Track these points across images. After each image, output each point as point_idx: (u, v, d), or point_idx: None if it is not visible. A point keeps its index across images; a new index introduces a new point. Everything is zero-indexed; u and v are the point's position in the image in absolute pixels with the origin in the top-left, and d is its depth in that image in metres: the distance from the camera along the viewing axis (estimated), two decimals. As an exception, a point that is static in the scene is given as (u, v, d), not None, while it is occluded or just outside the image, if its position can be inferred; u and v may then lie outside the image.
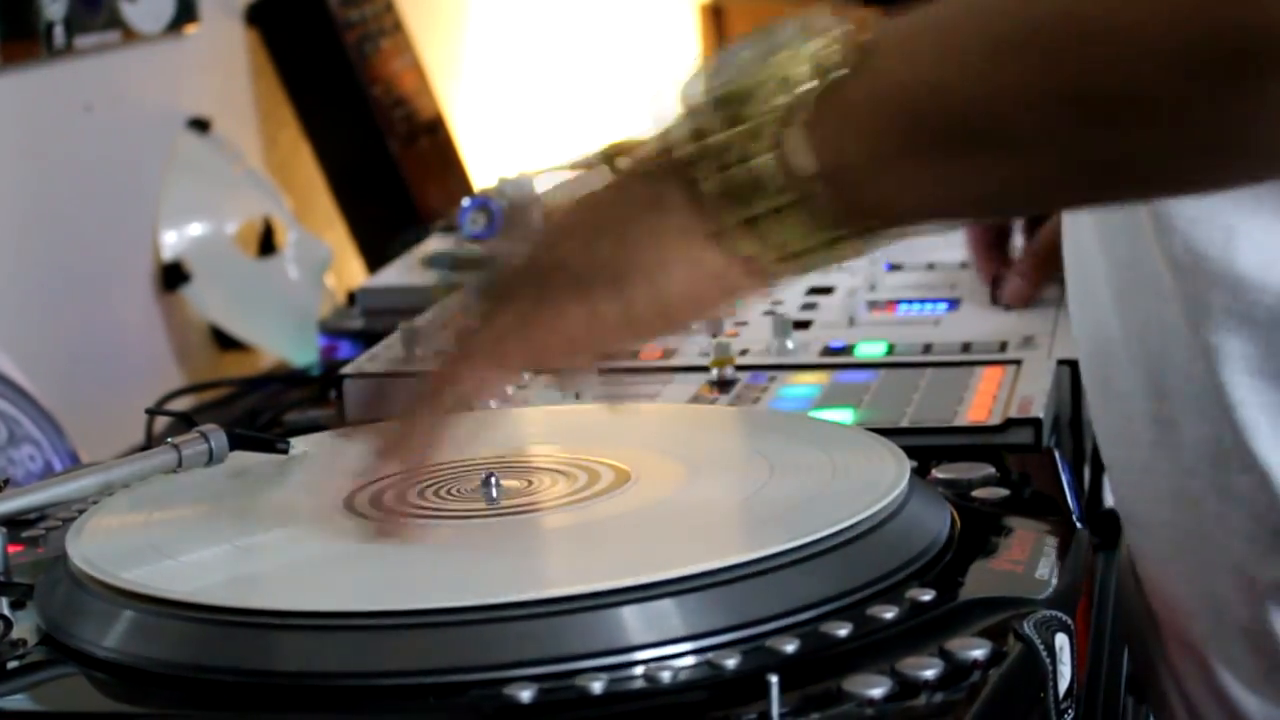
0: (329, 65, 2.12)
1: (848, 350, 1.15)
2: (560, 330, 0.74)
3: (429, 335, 0.76)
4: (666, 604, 0.70)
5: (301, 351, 1.86)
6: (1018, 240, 1.26)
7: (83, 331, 1.77)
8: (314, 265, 2.02)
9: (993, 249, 1.24)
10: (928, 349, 1.14)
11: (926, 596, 0.74)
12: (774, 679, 0.64)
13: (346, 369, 1.20)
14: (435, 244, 1.62)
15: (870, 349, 1.14)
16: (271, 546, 0.81)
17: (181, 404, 1.59)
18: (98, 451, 1.43)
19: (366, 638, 0.70)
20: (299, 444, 0.94)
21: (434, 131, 2.25)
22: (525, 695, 0.66)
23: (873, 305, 1.25)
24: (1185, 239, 0.81)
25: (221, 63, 2.05)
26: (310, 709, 0.69)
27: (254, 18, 2.10)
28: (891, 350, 1.14)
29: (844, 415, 1.02)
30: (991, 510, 0.85)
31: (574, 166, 2.08)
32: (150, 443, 1.42)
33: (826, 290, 1.29)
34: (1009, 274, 1.21)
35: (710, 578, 0.72)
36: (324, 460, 0.92)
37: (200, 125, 1.96)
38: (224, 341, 1.96)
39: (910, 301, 1.25)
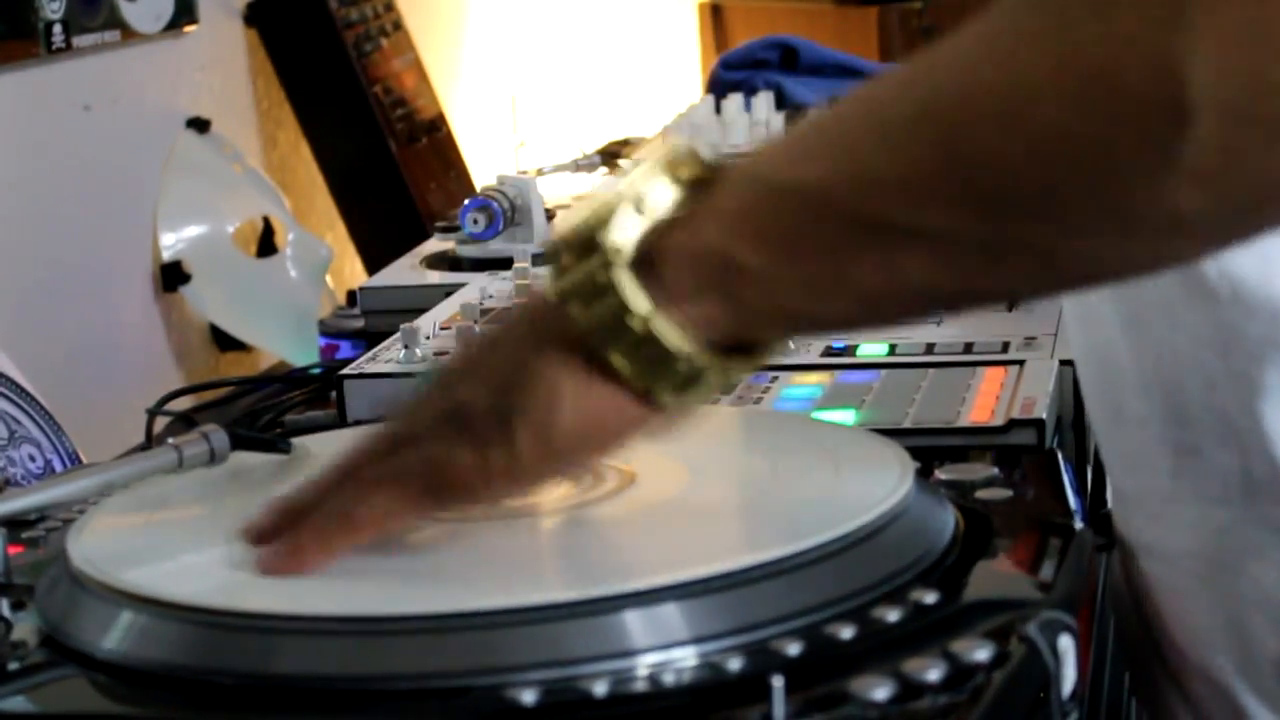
0: (328, 65, 2.11)
1: (850, 350, 1.14)
2: (455, 474, 0.73)
3: (346, 458, 0.76)
4: (670, 607, 0.70)
5: (301, 351, 1.85)
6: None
7: (82, 331, 1.77)
8: (314, 265, 2.02)
9: None
10: (930, 349, 1.14)
11: (930, 598, 0.74)
12: (778, 681, 0.64)
13: (346, 369, 1.20)
14: (435, 244, 1.61)
15: (872, 349, 1.14)
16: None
17: (181, 404, 1.58)
18: (98, 451, 1.42)
19: (368, 641, 0.70)
20: (299, 444, 0.94)
21: (434, 131, 2.25)
22: (528, 698, 0.66)
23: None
24: (1221, 267, 0.79)
25: (221, 62, 2.04)
26: (311, 712, 0.69)
27: (253, 17, 2.09)
28: (893, 350, 1.14)
29: (846, 416, 1.02)
30: (995, 512, 0.85)
31: (574, 167, 2.08)
32: (150, 443, 1.41)
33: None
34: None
35: (714, 581, 0.71)
36: (325, 460, 0.92)
37: (199, 125, 1.95)
38: (224, 341, 1.96)
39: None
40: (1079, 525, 0.84)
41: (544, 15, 2.86)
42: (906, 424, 1.00)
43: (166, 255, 1.88)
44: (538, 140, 2.65)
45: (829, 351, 1.14)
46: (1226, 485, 0.84)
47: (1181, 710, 0.90)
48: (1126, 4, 0.58)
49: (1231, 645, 0.86)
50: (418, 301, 1.39)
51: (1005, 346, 1.13)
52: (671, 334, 0.69)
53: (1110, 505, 0.94)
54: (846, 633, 0.70)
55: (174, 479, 0.90)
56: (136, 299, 1.86)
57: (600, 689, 0.67)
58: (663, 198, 0.70)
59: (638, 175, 0.70)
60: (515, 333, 0.75)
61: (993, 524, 0.83)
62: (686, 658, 0.69)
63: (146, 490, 0.89)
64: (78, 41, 1.75)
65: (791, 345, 0.71)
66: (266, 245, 2.00)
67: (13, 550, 0.85)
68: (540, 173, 1.91)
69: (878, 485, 0.80)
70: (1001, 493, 0.87)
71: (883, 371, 1.10)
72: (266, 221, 2.00)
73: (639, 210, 0.69)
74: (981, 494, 0.87)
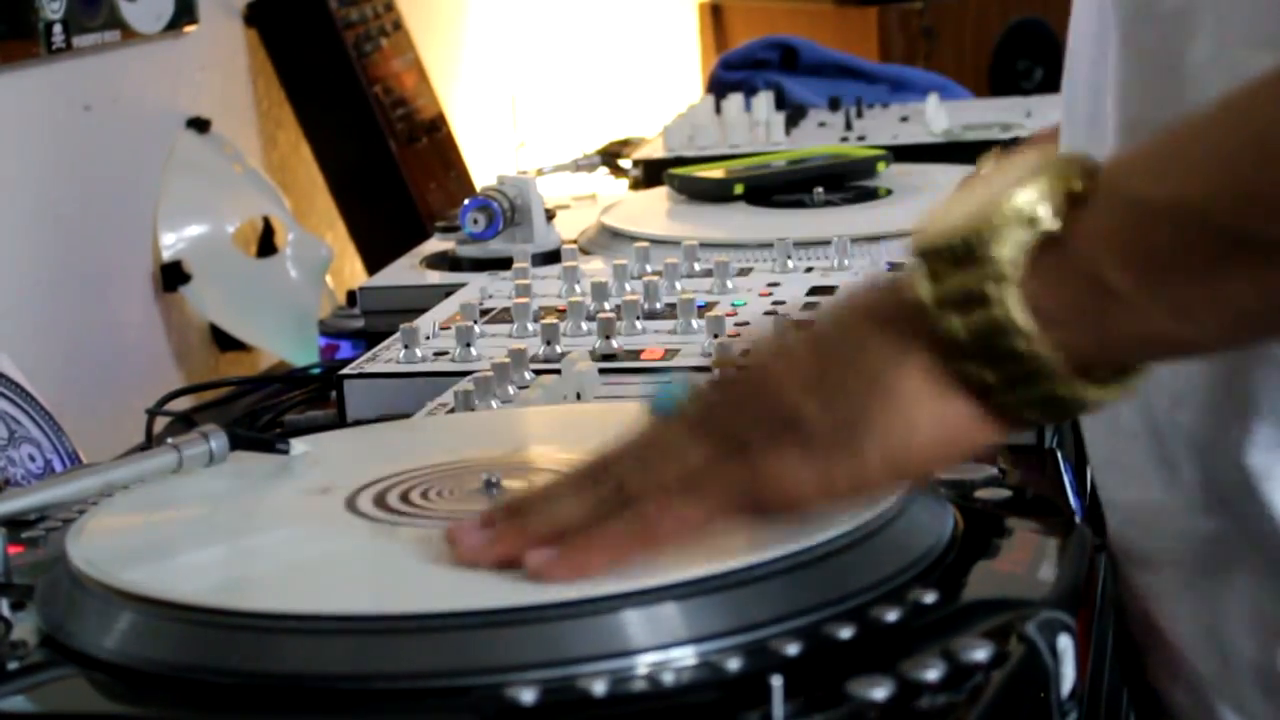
0: (328, 65, 2.12)
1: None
2: (789, 488, 0.70)
3: (629, 459, 0.72)
4: (669, 606, 0.70)
5: (301, 351, 1.86)
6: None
7: (83, 331, 1.77)
8: (314, 265, 2.02)
9: None
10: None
11: (929, 598, 0.74)
12: (777, 681, 0.64)
13: (346, 369, 1.20)
14: (435, 244, 1.62)
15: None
16: (271, 548, 0.81)
17: (181, 404, 1.59)
18: (98, 451, 1.43)
19: (368, 640, 0.70)
20: (299, 444, 0.94)
21: (434, 131, 2.25)
22: (527, 697, 0.66)
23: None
24: None
25: (221, 63, 2.05)
26: (310, 711, 0.69)
27: (253, 17, 2.10)
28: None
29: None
30: (994, 511, 0.85)
31: (574, 167, 2.08)
32: (150, 443, 1.42)
33: (828, 290, 1.29)
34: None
35: (713, 581, 0.71)
36: (325, 460, 0.92)
37: (200, 125, 1.96)
38: (224, 341, 1.96)
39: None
40: (1078, 525, 0.85)
41: (544, 15, 2.87)
42: (906, 424, 1.00)
43: (166, 255, 1.88)
44: (538, 140, 2.65)
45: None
46: (1208, 497, 0.84)
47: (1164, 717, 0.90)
48: None
49: (1211, 654, 0.86)
50: (418, 301, 1.39)
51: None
52: (1046, 353, 0.67)
53: (1107, 517, 0.94)
54: (845, 632, 0.70)
55: (173, 479, 0.90)
56: (136, 299, 1.87)
57: (599, 688, 0.67)
58: (1044, 210, 0.67)
59: (1024, 184, 0.68)
60: (859, 335, 0.70)
61: (992, 524, 0.83)
62: (686, 657, 0.69)
63: (146, 490, 0.89)
64: (78, 41, 1.75)
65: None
66: (266, 245, 2.00)
67: (13, 550, 0.86)
68: (540, 173, 1.91)
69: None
70: (1001, 493, 0.87)
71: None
72: (266, 221, 2.00)
73: (1028, 224, 0.67)
74: (981, 494, 0.87)
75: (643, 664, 0.69)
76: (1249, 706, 0.85)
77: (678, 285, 1.33)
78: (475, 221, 1.53)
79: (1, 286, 1.65)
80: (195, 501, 0.88)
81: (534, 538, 0.72)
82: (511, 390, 1.10)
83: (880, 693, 0.65)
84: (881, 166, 1.66)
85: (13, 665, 0.74)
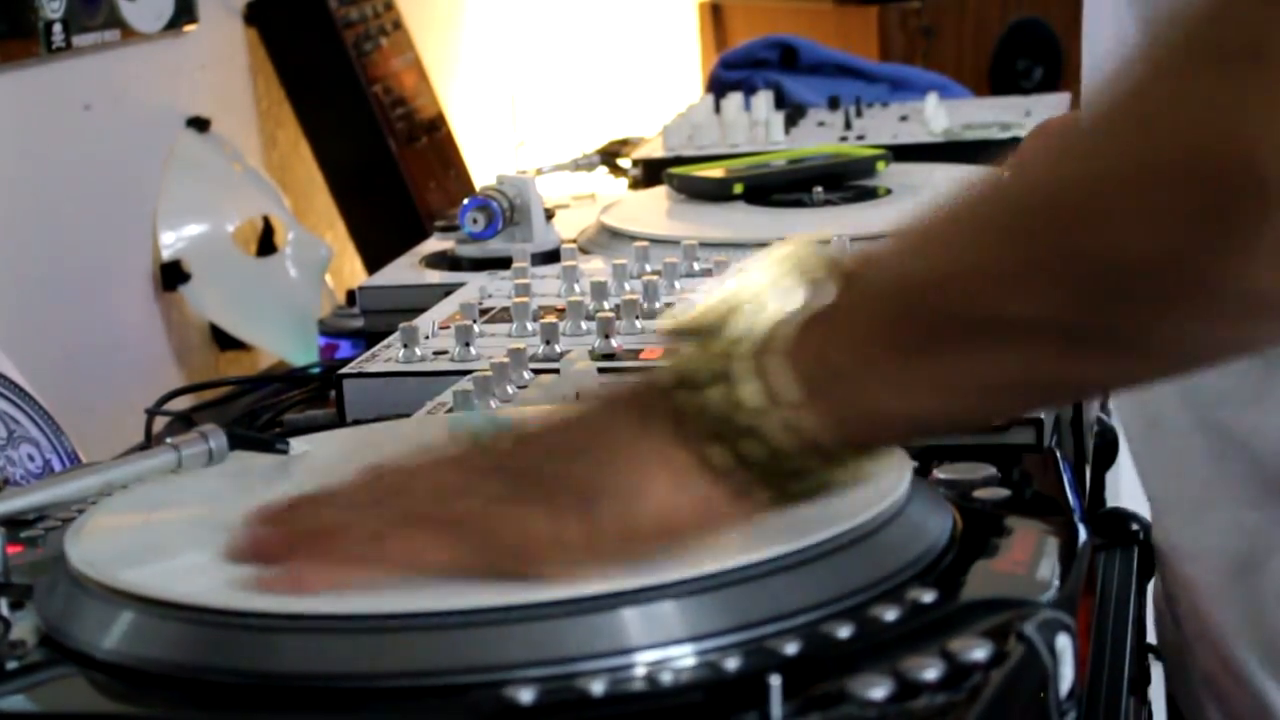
0: (328, 64, 2.11)
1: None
2: (520, 540, 0.71)
3: (385, 482, 0.74)
4: (667, 605, 0.70)
5: (301, 351, 1.86)
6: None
7: (82, 331, 1.77)
8: (313, 265, 2.02)
9: None
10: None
11: (928, 597, 0.74)
12: (775, 680, 0.64)
13: (346, 369, 1.20)
14: (434, 243, 1.62)
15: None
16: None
17: (181, 404, 1.59)
18: (98, 451, 1.43)
19: (366, 639, 0.70)
20: (299, 444, 0.94)
21: (434, 131, 2.25)
22: (526, 696, 0.66)
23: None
24: None
25: (221, 62, 2.04)
26: (310, 711, 0.69)
27: (253, 17, 2.09)
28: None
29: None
30: (993, 511, 0.85)
31: (574, 167, 2.08)
32: (149, 442, 1.42)
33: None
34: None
35: (712, 580, 0.71)
36: (324, 460, 0.92)
37: (199, 124, 1.95)
38: (223, 341, 1.96)
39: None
40: (1078, 525, 0.85)
41: (544, 15, 2.87)
42: (905, 423, 1.00)
43: (166, 255, 1.88)
44: (537, 140, 2.65)
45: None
46: (1256, 488, 0.86)
47: (1212, 709, 0.92)
48: (1199, 100, 0.60)
49: (1257, 639, 0.88)
50: (417, 301, 1.39)
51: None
52: (776, 432, 0.69)
53: (1149, 513, 0.96)
54: (844, 632, 0.70)
55: (173, 479, 0.90)
56: (136, 299, 1.87)
57: (598, 687, 0.67)
58: (786, 297, 0.70)
59: (766, 271, 0.71)
60: (612, 409, 0.73)
61: (991, 523, 0.83)
62: (684, 656, 0.69)
63: (146, 490, 0.89)
64: (78, 41, 1.75)
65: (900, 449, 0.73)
66: (266, 245, 2.00)
67: (12, 550, 0.86)
68: (540, 172, 1.91)
69: (876, 484, 0.80)
70: (1000, 492, 0.87)
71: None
72: (266, 221, 2.00)
73: (762, 307, 0.70)
74: (980, 493, 0.87)
75: (641, 663, 0.69)
76: None
77: (677, 285, 1.33)
78: (475, 221, 1.53)
79: (1, 286, 1.65)
80: (194, 501, 0.88)
81: (291, 540, 0.74)
82: (510, 390, 1.10)
83: (879, 692, 0.65)
84: (881, 166, 1.66)
85: (12, 665, 0.74)
